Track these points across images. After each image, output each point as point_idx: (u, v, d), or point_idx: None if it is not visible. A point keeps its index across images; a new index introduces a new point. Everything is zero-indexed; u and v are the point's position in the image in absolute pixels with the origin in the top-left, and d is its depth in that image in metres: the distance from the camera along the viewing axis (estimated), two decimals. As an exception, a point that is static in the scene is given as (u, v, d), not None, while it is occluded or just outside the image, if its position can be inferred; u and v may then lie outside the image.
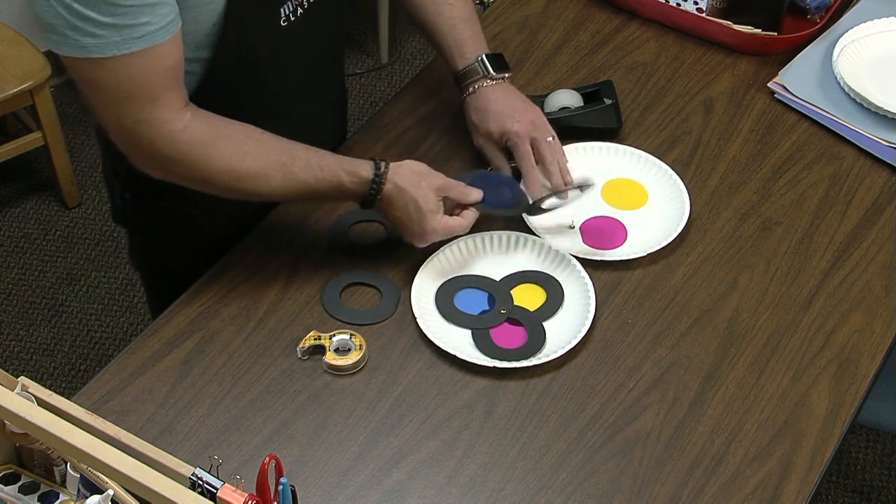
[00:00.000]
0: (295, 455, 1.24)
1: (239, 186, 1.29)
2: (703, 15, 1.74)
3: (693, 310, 1.39)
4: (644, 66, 1.73)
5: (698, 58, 1.75)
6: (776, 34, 1.72)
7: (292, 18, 1.33)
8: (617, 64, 1.73)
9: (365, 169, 1.33)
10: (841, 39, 1.69)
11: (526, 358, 1.31)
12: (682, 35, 1.78)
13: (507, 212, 1.44)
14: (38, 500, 1.15)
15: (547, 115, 1.58)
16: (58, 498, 1.15)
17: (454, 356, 1.31)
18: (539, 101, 1.61)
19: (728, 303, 1.40)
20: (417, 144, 1.60)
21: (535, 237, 1.43)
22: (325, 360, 1.32)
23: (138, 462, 0.94)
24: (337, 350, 1.33)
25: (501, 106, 1.47)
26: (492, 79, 1.48)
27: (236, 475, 1.16)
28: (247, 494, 0.95)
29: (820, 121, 1.62)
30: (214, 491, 0.96)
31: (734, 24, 1.72)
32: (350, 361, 1.31)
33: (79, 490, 1.10)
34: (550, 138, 1.47)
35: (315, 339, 1.33)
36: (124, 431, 1.03)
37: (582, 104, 1.60)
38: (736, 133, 1.62)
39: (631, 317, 1.38)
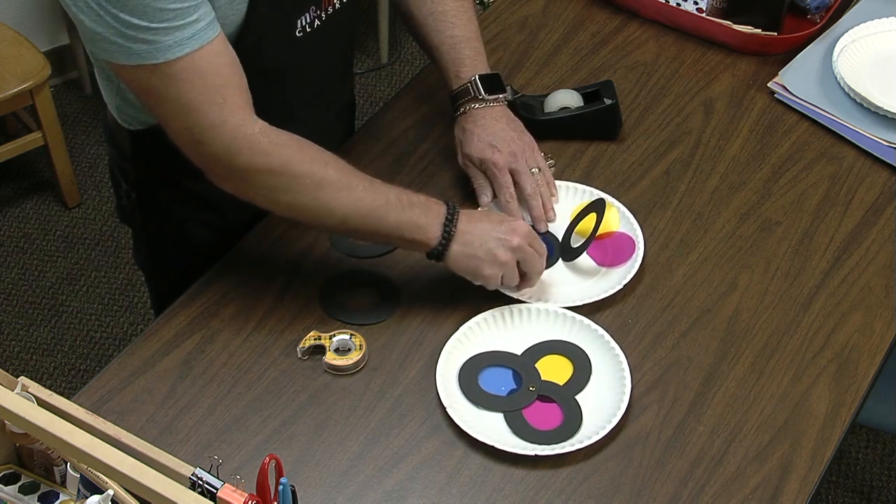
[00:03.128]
0: (295, 455, 1.24)
1: (320, 193, 1.24)
2: (703, 15, 1.74)
3: (693, 310, 1.39)
4: (644, 66, 1.73)
5: (698, 58, 1.75)
6: (776, 34, 1.72)
7: (308, 30, 1.33)
8: (617, 64, 1.73)
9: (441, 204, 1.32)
10: (841, 39, 1.69)
11: (566, 439, 1.24)
12: (682, 35, 1.78)
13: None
14: (38, 500, 1.15)
15: (547, 115, 1.59)
16: (58, 498, 1.15)
17: (492, 446, 1.23)
18: (539, 101, 1.62)
19: (728, 303, 1.40)
20: (417, 144, 1.60)
21: (548, 305, 1.36)
22: (325, 360, 1.32)
23: (138, 462, 0.94)
24: (337, 350, 1.33)
25: (486, 132, 1.45)
26: (483, 101, 1.46)
27: (236, 475, 1.16)
28: (247, 494, 0.95)
29: (820, 121, 1.62)
30: (214, 491, 0.96)
31: (734, 24, 1.72)
32: (350, 361, 1.31)
33: (79, 490, 1.10)
34: (536, 169, 1.45)
35: (315, 339, 1.33)
36: (124, 431, 1.03)
37: (582, 104, 1.60)
38: (736, 133, 1.62)
39: (631, 317, 1.38)
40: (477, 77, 1.47)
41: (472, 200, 1.49)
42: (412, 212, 1.29)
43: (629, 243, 1.44)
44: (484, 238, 1.31)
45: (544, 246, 1.37)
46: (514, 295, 1.38)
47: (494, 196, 1.47)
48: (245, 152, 1.21)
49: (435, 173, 1.55)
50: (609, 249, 1.44)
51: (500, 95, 1.48)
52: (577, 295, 1.39)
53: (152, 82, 1.16)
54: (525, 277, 1.34)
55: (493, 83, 1.48)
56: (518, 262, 1.32)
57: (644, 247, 1.44)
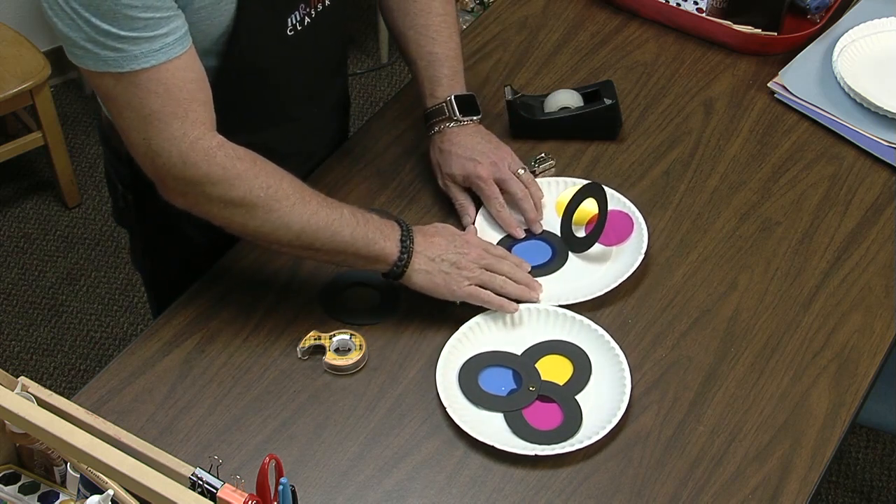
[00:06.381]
0: (295, 455, 1.24)
1: (274, 206, 1.24)
2: (703, 15, 1.74)
3: (693, 310, 1.39)
4: (644, 66, 1.73)
5: (698, 58, 1.75)
6: (776, 34, 1.72)
7: (299, 28, 1.33)
8: (617, 64, 1.73)
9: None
10: (841, 39, 1.69)
11: (566, 439, 1.24)
12: (682, 35, 1.78)
13: (550, 269, 1.42)
14: (38, 500, 1.15)
15: (547, 115, 1.59)
16: (58, 498, 1.15)
17: (492, 446, 1.23)
18: (539, 101, 1.62)
19: (728, 303, 1.40)
20: (417, 144, 1.60)
21: (548, 306, 1.36)
22: (325, 360, 1.32)
23: (138, 462, 0.94)
24: (337, 350, 1.33)
25: (463, 149, 1.46)
26: (457, 121, 1.47)
27: (236, 475, 1.16)
28: (247, 494, 0.95)
29: (820, 121, 1.62)
30: (214, 491, 0.96)
31: (734, 24, 1.72)
32: (350, 361, 1.31)
33: (79, 490, 1.10)
34: (522, 170, 1.46)
35: (315, 339, 1.33)
36: (124, 431, 1.03)
37: (582, 104, 1.60)
38: (736, 133, 1.62)
39: (631, 317, 1.38)
40: (452, 98, 1.47)
41: (476, 205, 1.49)
42: (367, 228, 1.30)
43: (623, 217, 1.45)
44: (443, 254, 1.33)
45: (500, 249, 1.39)
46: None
47: (478, 210, 1.47)
48: (201, 164, 1.21)
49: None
50: (608, 229, 1.44)
51: (475, 117, 1.49)
52: (598, 284, 1.39)
53: (117, 90, 1.17)
54: (506, 286, 1.35)
55: (467, 105, 1.48)
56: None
57: (644, 221, 1.44)
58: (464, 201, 1.48)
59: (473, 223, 1.46)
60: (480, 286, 1.34)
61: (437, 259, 1.33)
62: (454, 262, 1.33)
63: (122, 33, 1.12)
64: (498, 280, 1.35)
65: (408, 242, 1.32)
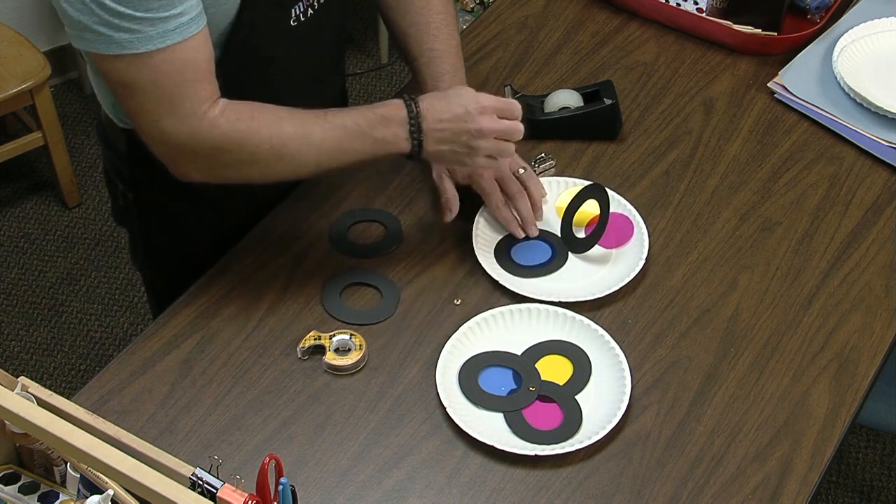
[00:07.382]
0: (295, 455, 1.24)
1: (284, 151, 1.27)
2: (703, 15, 1.74)
3: (693, 310, 1.39)
4: (644, 66, 1.73)
5: (698, 58, 1.75)
6: (776, 34, 1.72)
7: (302, 19, 1.34)
8: (617, 64, 1.73)
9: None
10: (841, 39, 1.69)
11: (566, 439, 1.24)
12: (682, 35, 1.78)
13: (550, 269, 1.42)
14: (38, 500, 1.15)
15: (547, 115, 1.59)
16: (58, 498, 1.15)
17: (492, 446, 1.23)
18: (539, 101, 1.62)
19: (728, 303, 1.40)
20: (417, 144, 1.60)
21: (548, 305, 1.36)
22: (325, 360, 1.32)
23: (138, 462, 0.94)
24: (337, 350, 1.33)
25: None
26: None
27: (236, 475, 1.16)
28: (247, 494, 0.96)
29: (820, 121, 1.63)
30: (214, 491, 0.96)
31: (734, 24, 1.72)
32: (350, 361, 1.31)
33: (79, 490, 1.10)
34: (522, 169, 1.45)
35: (315, 339, 1.33)
36: (124, 431, 1.04)
37: (582, 104, 1.60)
38: (736, 133, 1.62)
39: (631, 317, 1.38)
40: None
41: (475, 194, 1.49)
42: (374, 131, 1.30)
43: (624, 220, 1.45)
44: (456, 132, 1.31)
45: (512, 113, 1.35)
46: (523, 293, 1.38)
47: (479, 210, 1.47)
48: (207, 137, 1.23)
49: (435, 173, 1.55)
50: (609, 231, 1.44)
51: None
52: (598, 286, 1.39)
53: (130, 72, 1.17)
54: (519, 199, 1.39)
55: None
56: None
57: (644, 224, 1.45)
58: (451, 196, 1.46)
59: (452, 217, 1.45)
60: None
61: (446, 140, 1.32)
62: (464, 143, 1.32)
63: (137, 14, 1.13)
64: (514, 186, 1.42)
65: (416, 133, 1.30)
